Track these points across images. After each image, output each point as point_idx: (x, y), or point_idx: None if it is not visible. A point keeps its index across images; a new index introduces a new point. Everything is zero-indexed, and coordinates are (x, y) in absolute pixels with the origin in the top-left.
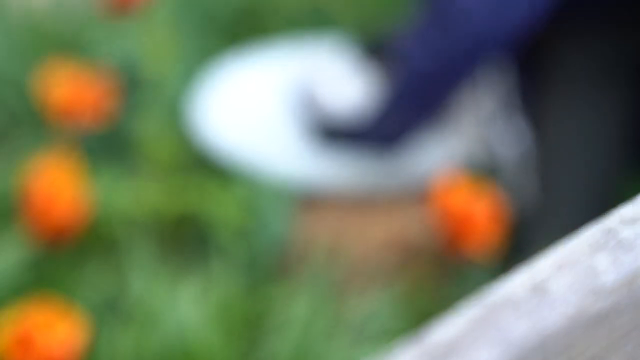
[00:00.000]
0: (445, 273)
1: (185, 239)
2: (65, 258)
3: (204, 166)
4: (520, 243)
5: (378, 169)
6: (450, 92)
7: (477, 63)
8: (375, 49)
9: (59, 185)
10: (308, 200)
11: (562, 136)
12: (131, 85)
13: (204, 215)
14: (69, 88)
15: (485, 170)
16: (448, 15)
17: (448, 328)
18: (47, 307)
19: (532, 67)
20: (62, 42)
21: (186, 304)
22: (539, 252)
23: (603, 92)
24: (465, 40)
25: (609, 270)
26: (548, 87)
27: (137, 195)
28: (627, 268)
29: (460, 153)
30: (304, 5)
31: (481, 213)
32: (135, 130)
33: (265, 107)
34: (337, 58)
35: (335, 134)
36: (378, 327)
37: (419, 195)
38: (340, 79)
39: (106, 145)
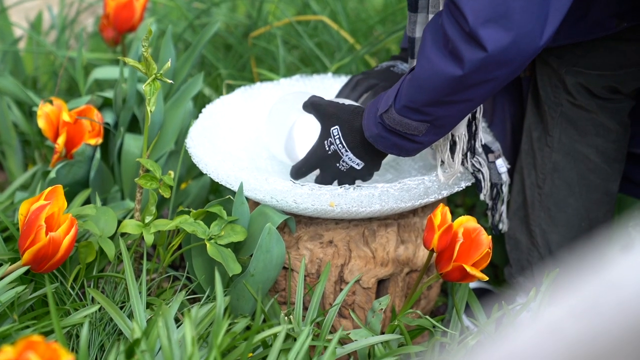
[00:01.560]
0: (437, 288)
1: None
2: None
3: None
4: (512, 260)
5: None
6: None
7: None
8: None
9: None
10: (304, 222)
11: (549, 157)
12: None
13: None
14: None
15: (473, 190)
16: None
17: None
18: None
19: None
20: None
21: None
22: (529, 269)
23: (587, 116)
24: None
25: None
26: (533, 110)
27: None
28: None
29: (449, 175)
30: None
31: (472, 232)
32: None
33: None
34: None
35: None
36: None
37: (411, 214)
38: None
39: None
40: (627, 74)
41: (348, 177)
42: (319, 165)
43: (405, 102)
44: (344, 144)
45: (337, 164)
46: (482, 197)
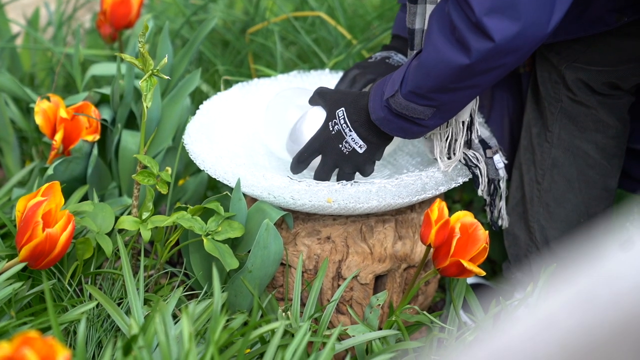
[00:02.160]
0: (434, 284)
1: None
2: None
3: (200, 187)
4: (510, 256)
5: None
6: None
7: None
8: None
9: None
10: (301, 218)
11: (549, 153)
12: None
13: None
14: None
15: (471, 186)
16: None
17: None
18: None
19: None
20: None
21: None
22: (528, 265)
23: (586, 112)
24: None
25: None
26: (533, 105)
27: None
28: None
29: (447, 171)
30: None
31: (469, 227)
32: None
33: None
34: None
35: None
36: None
37: (408, 210)
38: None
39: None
40: (627, 69)
41: (349, 163)
42: (322, 148)
43: (412, 87)
44: (348, 124)
45: (340, 146)
46: (479, 192)
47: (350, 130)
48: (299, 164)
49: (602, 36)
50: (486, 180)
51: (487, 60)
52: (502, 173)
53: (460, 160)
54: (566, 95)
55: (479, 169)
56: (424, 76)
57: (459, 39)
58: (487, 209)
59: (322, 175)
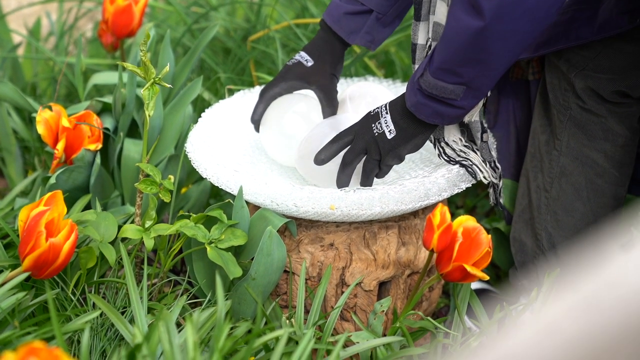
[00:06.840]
0: (438, 290)
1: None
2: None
3: (203, 195)
4: (517, 263)
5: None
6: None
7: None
8: None
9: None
10: (304, 225)
11: (557, 161)
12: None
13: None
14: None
15: (474, 192)
16: None
17: None
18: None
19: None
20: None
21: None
22: (535, 272)
23: (595, 120)
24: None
25: None
26: (541, 112)
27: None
28: None
29: (451, 175)
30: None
31: (471, 232)
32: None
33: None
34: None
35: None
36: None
37: (412, 216)
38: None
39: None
40: (636, 77)
41: (376, 147)
42: (359, 128)
43: (438, 63)
44: (387, 109)
45: (373, 125)
46: (486, 180)
47: (386, 113)
48: (332, 144)
49: (612, 42)
50: (485, 166)
51: (501, 19)
52: (494, 153)
53: (442, 157)
54: (575, 103)
55: (469, 160)
56: (446, 48)
57: (473, 3)
58: (494, 195)
59: (349, 156)
